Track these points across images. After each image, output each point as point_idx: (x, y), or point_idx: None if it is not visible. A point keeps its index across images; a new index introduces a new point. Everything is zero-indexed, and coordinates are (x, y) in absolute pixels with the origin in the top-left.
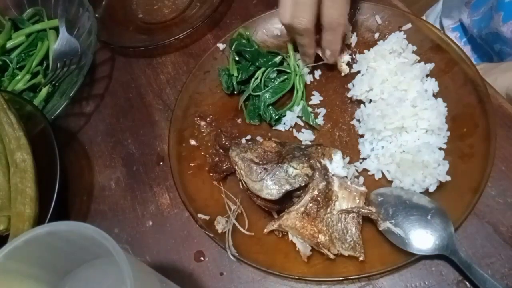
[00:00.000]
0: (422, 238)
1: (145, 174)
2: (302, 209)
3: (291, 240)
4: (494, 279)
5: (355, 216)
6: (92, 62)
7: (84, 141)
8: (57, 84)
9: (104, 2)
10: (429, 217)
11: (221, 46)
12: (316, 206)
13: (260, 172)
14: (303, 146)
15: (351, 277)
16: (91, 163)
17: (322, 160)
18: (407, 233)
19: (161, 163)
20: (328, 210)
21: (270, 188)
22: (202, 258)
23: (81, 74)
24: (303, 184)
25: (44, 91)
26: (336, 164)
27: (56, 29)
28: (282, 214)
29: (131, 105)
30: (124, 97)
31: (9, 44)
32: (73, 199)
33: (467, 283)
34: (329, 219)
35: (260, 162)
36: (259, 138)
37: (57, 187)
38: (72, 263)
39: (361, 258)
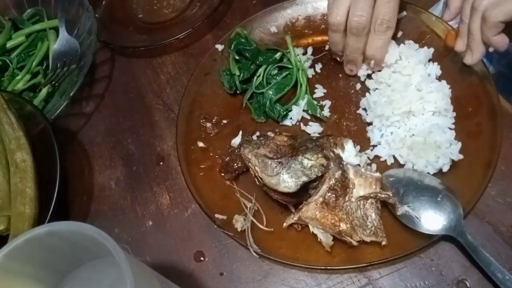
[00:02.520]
0: (432, 219)
1: (145, 174)
2: (321, 199)
3: (312, 232)
4: (499, 262)
5: (374, 201)
6: (92, 62)
7: (84, 141)
8: (57, 84)
9: (104, 2)
10: (439, 199)
11: (219, 47)
12: (334, 195)
13: (276, 167)
14: (315, 138)
15: (376, 263)
16: (91, 163)
17: (335, 150)
18: (417, 213)
19: (161, 163)
20: (347, 198)
21: (287, 181)
22: (202, 258)
23: (81, 74)
24: (320, 175)
25: (44, 91)
26: (349, 152)
27: (56, 29)
28: (300, 206)
29: (131, 105)
30: (124, 97)
31: (9, 44)
32: (73, 199)
33: (467, 283)
34: (348, 207)
35: (274, 157)
36: (270, 134)
37: (57, 187)
38: (72, 263)
39: (383, 243)
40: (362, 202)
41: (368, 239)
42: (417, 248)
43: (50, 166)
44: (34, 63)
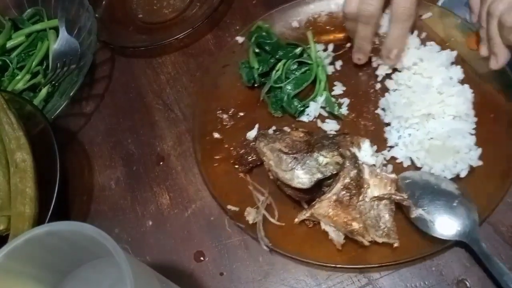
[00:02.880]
0: (446, 224)
1: (145, 174)
2: (335, 197)
3: (324, 229)
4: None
5: (388, 203)
6: (92, 62)
7: (84, 141)
8: (57, 84)
9: (104, 2)
10: (455, 204)
11: (239, 39)
12: (348, 193)
13: (290, 162)
14: (331, 135)
15: (386, 264)
16: (91, 163)
17: (351, 148)
18: (432, 216)
19: (161, 163)
20: (361, 197)
21: (301, 177)
22: (202, 258)
23: (81, 74)
24: (334, 172)
25: (44, 91)
26: (365, 152)
27: (56, 29)
28: (313, 203)
29: (131, 105)
30: (124, 97)
31: (9, 44)
32: (73, 199)
33: (467, 283)
34: (362, 207)
35: (290, 152)
36: (286, 129)
37: (57, 187)
38: (72, 263)
39: (396, 245)
40: (376, 202)
41: (380, 240)
42: (429, 253)
43: (50, 166)
44: (34, 63)
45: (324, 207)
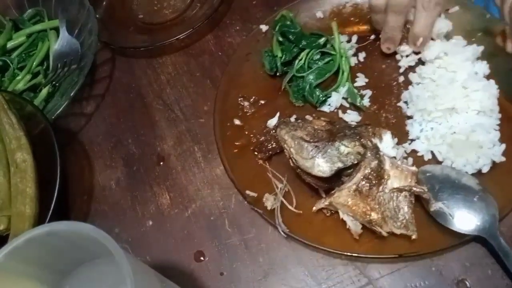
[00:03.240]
0: (465, 218)
1: (145, 174)
2: (354, 186)
3: (342, 218)
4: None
5: (407, 195)
6: (93, 62)
7: (85, 141)
8: (57, 84)
9: (104, 3)
10: (475, 199)
11: (263, 27)
12: (368, 184)
13: (311, 150)
14: (353, 125)
15: (405, 255)
16: (91, 163)
17: (373, 139)
18: (451, 210)
19: (161, 163)
20: (380, 188)
21: (322, 165)
22: (202, 258)
23: (81, 74)
24: (355, 162)
25: (44, 91)
26: (386, 144)
27: (57, 30)
28: (333, 191)
29: (131, 105)
30: (124, 97)
31: (10, 45)
32: (73, 199)
33: (467, 283)
34: (381, 197)
35: (311, 140)
36: (308, 117)
37: (58, 187)
38: (72, 263)
39: (413, 237)
40: (395, 194)
41: (398, 231)
42: (447, 246)
43: (50, 166)
44: (34, 63)
45: (343, 196)
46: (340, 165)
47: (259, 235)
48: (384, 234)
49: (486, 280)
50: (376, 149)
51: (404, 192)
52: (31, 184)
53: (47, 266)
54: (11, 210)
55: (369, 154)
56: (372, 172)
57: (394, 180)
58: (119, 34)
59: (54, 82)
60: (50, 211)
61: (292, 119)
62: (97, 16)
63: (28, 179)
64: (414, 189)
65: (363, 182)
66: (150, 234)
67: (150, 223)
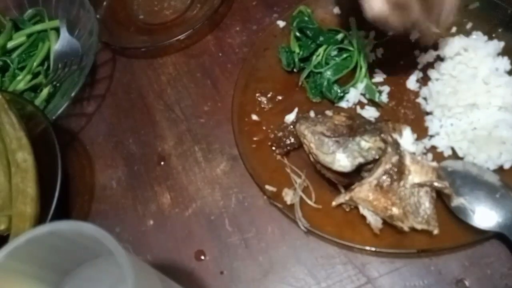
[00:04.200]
0: (487, 214)
1: (146, 173)
2: (375, 181)
3: (362, 214)
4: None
5: (429, 190)
6: (93, 62)
7: (85, 141)
8: (58, 84)
9: (105, 3)
10: (497, 196)
11: (281, 23)
12: (389, 179)
13: (332, 145)
14: (373, 121)
15: (426, 250)
16: (92, 163)
17: (393, 135)
18: (472, 206)
19: (162, 163)
20: (401, 183)
21: (343, 160)
22: (202, 257)
23: (82, 75)
24: (376, 157)
25: (45, 91)
26: (406, 139)
27: (57, 30)
28: (353, 186)
29: (132, 105)
30: (125, 98)
31: (10, 45)
32: (74, 198)
33: (466, 282)
34: (402, 193)
35: (332, 135)
36: (328, 112)
37: (58, 187)
38: (73, 262)
39: (435, 232)
40: (416, 189)
41: (419, 227)
42: (468, 242)
43: (51, 166)
44: (35, 63)
45: (364, 191)
46: (361, 160)
47: (259, 234)
48: (406, 229)
49: (486, 280)
50: (396, 145)
51: (425, 188)
52: (32, 184)
53: (48, 265)
54: (12, 210)
55: (390, 149)
56: (393, 167)
57: (415, 176)
58: (119, 35)
59: (54, 82)
60: (51, 211)
61: (312, 114)
62: (98, 16)
63: (29, 179)
64: (436, 184)
65: (384, 177)
66: (150, 233)
67: (151, 222)
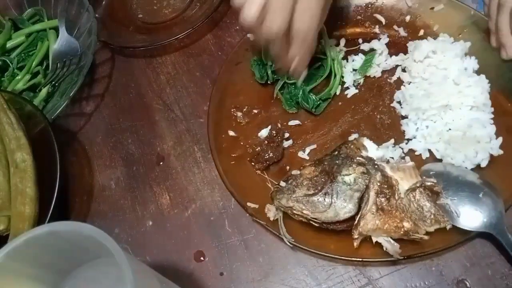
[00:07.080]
0: (471, 215)
1: (145, 174)
2: (374, 207)
3: (375, 242)
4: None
5: (422, 190)
6: (92, 62)
7: (84, 141)
8: (57, 84)
9: (104, 2)
10: (480, 195)
11: (251, 36)
12: (384, 198)
13: (324, 200)
14: (336, 153)
15: (412, 256)
16: (91, 163)
17: (362, 153)
18: (457, 208)
19: (161, 163)
20: (396, 196)
21: (344, 206)
22: (202, 258)
23: (81, 74)
24: (367, 182)
25: (44, 91)
26: (370, 149)
27: (56, 29)
28: (356, 222)
29: (131, 105)
30: (124, 97)
31: (9, 44)
32: (73, 199)
33: (467, 283)
34: (402, 204)
35: (316, 191)
36: (294, 172)
37: (57, 187)
38: (72, 263)
39: (448, 227)
40: (411, 194)
41: (431, 229)
42: (450, 245)
43: (50, 166)
44: (34, 63)
45: (370, 221)
46: (357, 194)
47: (259, 235)
48: (425, 237)
49: (486, 280)
50: (371, 161)
51: (417, 190)
52: (30, 184)
53: (47, 266)
54: (11, 210)
55: (370, 169)
56: (382, 185)
57: (403, 183)
58: (118, 34)
59: (53, 82)
60: (50, 211)
61: (282, 183)
62: (97, 15)
63: (28, 179)
64: (426, 183)
65: (380, 199)
66: (150, 234)
67: (150, 223)
